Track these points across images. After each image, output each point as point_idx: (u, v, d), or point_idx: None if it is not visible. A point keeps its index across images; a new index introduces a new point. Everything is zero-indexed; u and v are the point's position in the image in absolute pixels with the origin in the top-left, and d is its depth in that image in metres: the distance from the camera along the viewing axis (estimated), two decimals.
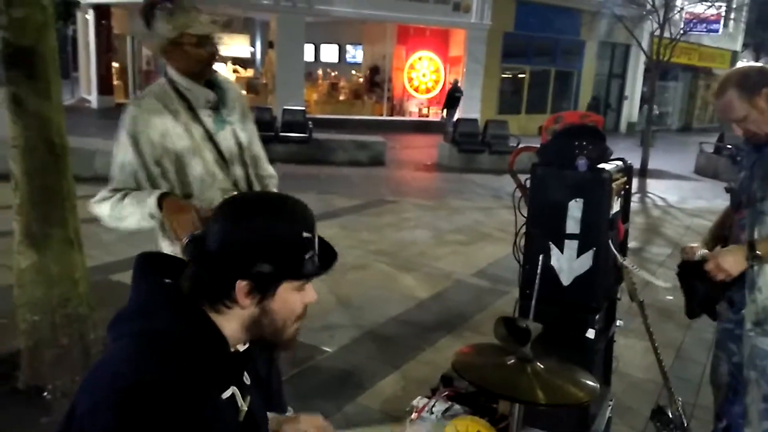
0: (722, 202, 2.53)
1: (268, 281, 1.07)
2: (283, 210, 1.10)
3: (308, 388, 3.25)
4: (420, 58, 20.03)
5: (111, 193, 2.11)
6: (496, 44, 19.59)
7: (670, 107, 27.47)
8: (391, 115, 20.23)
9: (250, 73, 19.85)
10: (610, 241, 2.25)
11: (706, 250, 2.25)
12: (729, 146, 12.68)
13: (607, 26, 17.24)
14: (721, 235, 2.39)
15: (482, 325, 4.22)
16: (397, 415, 2.33)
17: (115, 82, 20.29)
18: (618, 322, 2.61)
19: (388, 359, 3.67)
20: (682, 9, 14.57)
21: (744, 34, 28.22)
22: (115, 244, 5.43)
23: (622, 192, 2.44)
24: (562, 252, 2.22)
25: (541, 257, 2.21)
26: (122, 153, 2.10)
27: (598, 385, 1.58)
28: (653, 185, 11.40)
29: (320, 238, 1.14)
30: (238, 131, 2.25)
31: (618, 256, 2.32)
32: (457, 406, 2.01)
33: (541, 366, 1.59)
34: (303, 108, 13.63)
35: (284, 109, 12.59)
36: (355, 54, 20.96)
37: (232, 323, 1.09)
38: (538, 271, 2.18)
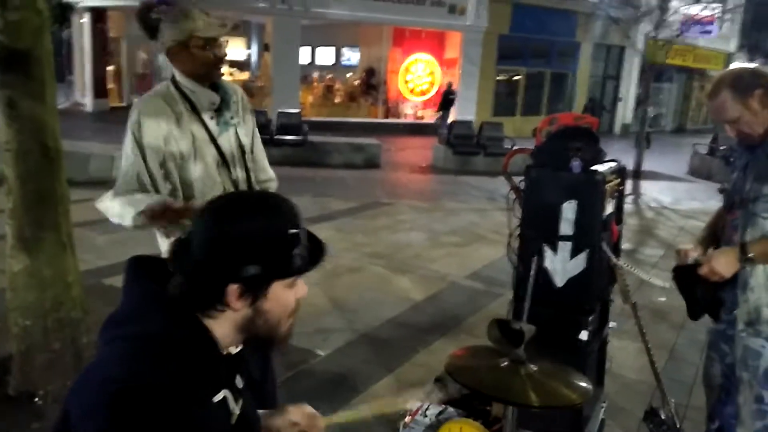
0: (716, 203, 2.54)
1: (259, 282, 1.06)
2: (267, 208, 1.09)
3: (302, 391, 3.24)
4: (416, 61, 20.04)
5: (114, 196, 2.15)
6: (491, 46, 19.63)
7: (664, 108, 27.56)
8: (387, 118, 20.23)
9: (245, 75, 19.83)
10: (603, 243, 2.26)
11: (699, 253, 2.25)
12: (723, 147, 12.73)
13: (602, 28, 17.31)
14: (715, 235, 2.39)
15: (476, 328, 4.22)
16: (391, 418, 2.32)
17: (110, 86, 20.24)
18: (611, 324, 2.62)
19: (383, 362, 3.66)
20: (677, 11, 14.62)
21: (738, 35, 28.36)
22: (108, 248, 5.42)
23: (616, 193, 2.45)
24: (555, 253, 2.23)
25: (534, 259, 2.22)
26: (127, 154, 2.14)
27: (592, 387, 1.59)
28: (647, 187, 11.42)
29: (307, 231, 1.13)
30: (241, 134, 2.28)
31: (612, 257, 2.32)
32: (450, 409, 2.01)
33: (535, 368, 1.60)
34: (298, 111, 13.62)
35: (280, 112, 12.58)
36: (351, 57, 20.96)
37: (224, 326, 1.09)
38: (532, 272, 2.19)
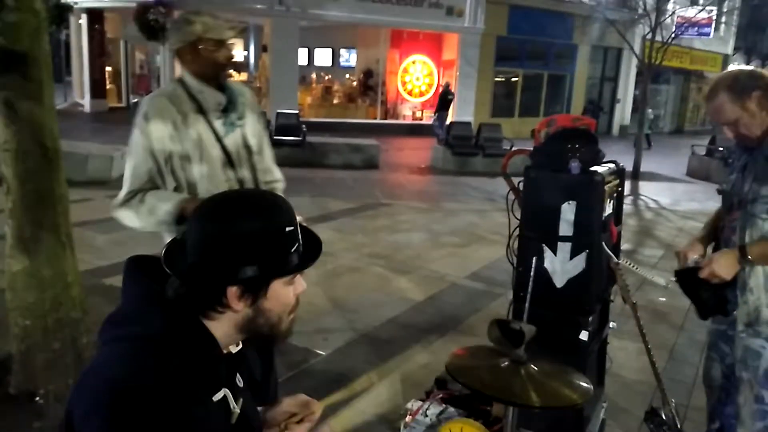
0: (714, 204, 2.54)
1: (259, 282, 1.06)
2: (262, 207, 1.08)
3: (302, 391, 3.21)
4: (413, 62, 20.07)
5: (128, 196, 2.16)
6: (489, 48, 19.66)
7: (662, 110, 27.61)
8: (385, 119, 20.24)
9: (243, 76, 19.82)
10: (603, 243, 2.26)
11: (699, 255, 2.25)
12: (721, 149, 12.76)
13: (599, 30, 17.31)
14: (714, 234, 2.39)
15: (476, 328, 4.22)
16: (392, 418, 2.32)
17: (108, 87, 20.25)
18: (611, 324, 2.62)
19: (383, 362, 3.66)
20: (673, 13, 14.65)
21: (735, 37, 28.43)
22: (107, 247, 5.42)
23: (615, 194, 2.45)
24: (555, 254, 2.23)
25: (534, 259, 2.22)
26: (134, 152, 2.16)
27: (592, 387, 1.59)
28: (645, 187, 11.45)
29: (302, 227, 1.12)
30: (248, 135, 2.30)
31: (613, 257, 2.33)
32: (451, 409, 2.01)
33: (535, 368, 1.60)
34: (297, 111, 13.62)
35: (278, 113, 12.58)
36: (349, 58, 20.97)
37: (224, 326, 1.09)
38: (532, 273, 2.19)
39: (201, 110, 2.18)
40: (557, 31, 20.46)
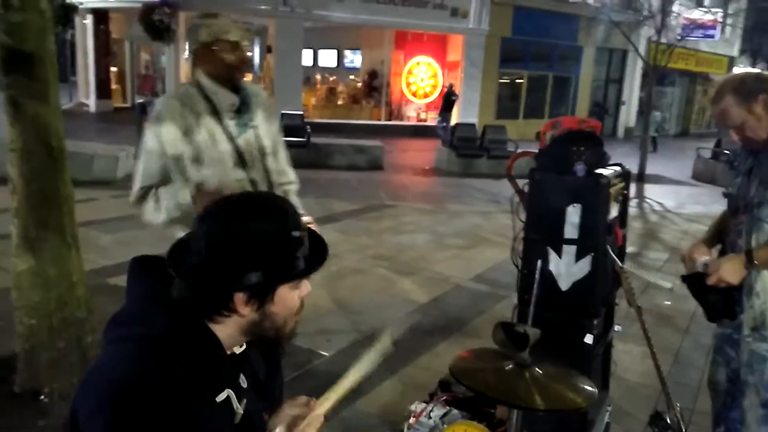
0: (719, 207, 2.53)
1: (266, 288, 1.06)
2: (271, 211, 1.08)
3: (306, 392, 3.21)
4: (418, 63, 20.05)
5: (142, 191, 2.22)
6: (493, 49, 19.63)
7: (668, 113, 27.54)
8: (389, 120, 20.24)
9: (248, 77, 19.86)
10: (608, 246, 2.26)
11: (706, 258, 2.24)
12: (726, 151, 12.71)
13: (604, 32, 17.27)
14: (719, 236, 2.38)
15: (481, 330, 4.21)
16: (396, 420, 2.32)
17: (114, 87, 20.31)
18: (616, 327, 2.61)
19: (387, 364, 3.64)
20: (679, 15, 14.61)
21: (741, 39, 28.34)
22: (112, 247, 5.43)
23: (620, 197, 2.44)
24: (560, 257, 2.22)
25: (539, 262, 2.21)
26: (148, 150, 2.21)
27: (597, 391, 1.59)
28: (651, 190, 11.41)
29: (309, 231, 1.12)
30: (262, 136, 2.33)
31: (617, 261, 2.32)
32: (455, 411, 2.01)
33: (540, 371, 1.59)
34: (301, 112, 13.64)
35: (282, 114, 12.58)
36: (354, 59, 20.98)
37: (228, 328, 1.09)
38: (537, 276, 2.18)
39: (215, 111, 2.21)
40: (562, 32, 20.42)
